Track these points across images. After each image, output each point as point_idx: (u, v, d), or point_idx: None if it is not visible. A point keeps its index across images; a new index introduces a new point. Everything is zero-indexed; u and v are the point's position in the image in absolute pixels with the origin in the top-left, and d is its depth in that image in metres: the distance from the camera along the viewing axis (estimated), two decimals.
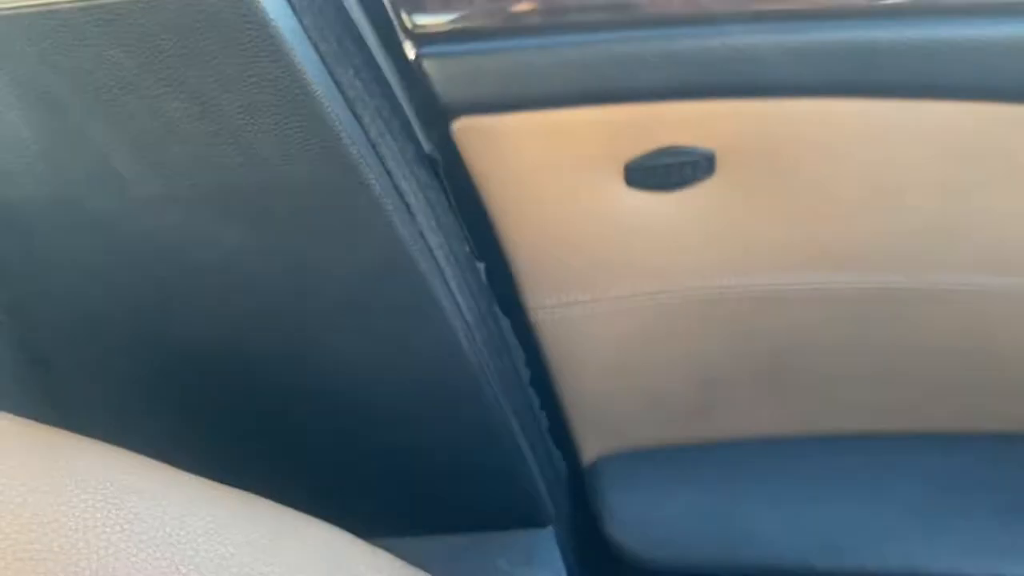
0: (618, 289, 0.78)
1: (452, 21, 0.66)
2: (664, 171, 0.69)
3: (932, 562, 0.80)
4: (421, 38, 0.66)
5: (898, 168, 0.70)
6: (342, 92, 0.63)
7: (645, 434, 0.91)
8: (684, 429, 0.90)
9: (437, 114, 0.70)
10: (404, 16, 0.66)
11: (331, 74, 0.62)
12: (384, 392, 0.80)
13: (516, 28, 0.66)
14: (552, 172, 0.71)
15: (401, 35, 0.66)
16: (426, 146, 0.72)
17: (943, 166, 0.70)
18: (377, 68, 0.67)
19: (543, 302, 0.79)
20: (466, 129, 0.70)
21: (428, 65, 0.67)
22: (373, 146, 0.66)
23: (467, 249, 0.77)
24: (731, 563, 0.82)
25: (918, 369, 0.83)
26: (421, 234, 0.70)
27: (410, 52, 0.66)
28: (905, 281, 0.76)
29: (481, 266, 0.80)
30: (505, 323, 0.84)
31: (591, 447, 0.93)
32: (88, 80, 0.59)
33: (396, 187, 0.68)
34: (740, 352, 0.82)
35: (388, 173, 0.67)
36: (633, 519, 0.86)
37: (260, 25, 0.56)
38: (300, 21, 0.60)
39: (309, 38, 0.61)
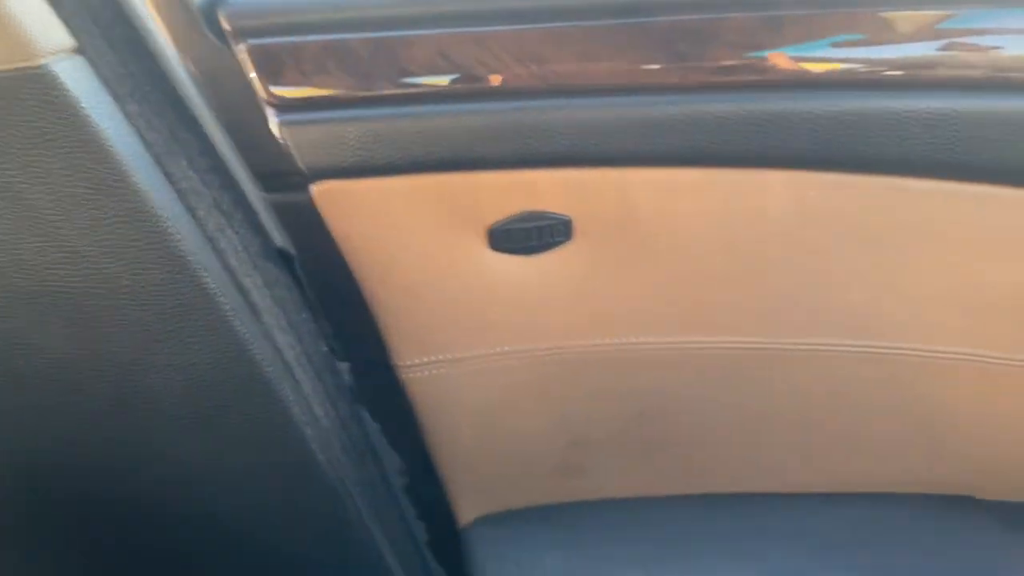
0: (483, 348, 0.78)
1: (312, 89, 0.64)
2: (524, 235, 0.70)
3: None
4: (281, 106, 0.65)
5: (747, 235, 0.71)
6: (172, 184, 0.59)
7: (517, 495, 0.91)
8: (555, 489, 0.90)
9: (296, 179, 0.67)
10: (263, 85, 0.64)
11: (160, 165, 0.58)
12: (232, 507, 0.73)
13: (375, 97, 0.65)
14: (416, 235, 0.71)
15: (262, 103, 0.65)
16: (277, 239, 0.68)
17: (792, 233, 0.71)
18: (216, 157, 0.63)
19: (409, 361, 0.78)
20: (326, 193, 0.68)
21: (287, 132, 0.65)
22: (210, 240, 0.61)
23: (325, 349, 0.72)
24: None
25: (783, 430, 0.83)
26: (267, 335, 0.65)
27: (271, 119, 0.65)
28: (763, 342, 0.77)
29: (344, 366, 0.75)
30: (373, 428, 0.78)
31: (466, 510, 0.92)
32: None
33: (237, 284, 0.63)
34: (606, 412, 0.82)
35: (228, 270, 0.62)
36: None
37: (70, 113, 0.52)
38: (122, 108, 0.56)
39: (134, 127, 0.56)
